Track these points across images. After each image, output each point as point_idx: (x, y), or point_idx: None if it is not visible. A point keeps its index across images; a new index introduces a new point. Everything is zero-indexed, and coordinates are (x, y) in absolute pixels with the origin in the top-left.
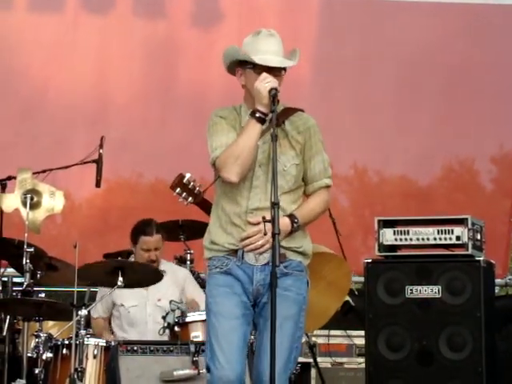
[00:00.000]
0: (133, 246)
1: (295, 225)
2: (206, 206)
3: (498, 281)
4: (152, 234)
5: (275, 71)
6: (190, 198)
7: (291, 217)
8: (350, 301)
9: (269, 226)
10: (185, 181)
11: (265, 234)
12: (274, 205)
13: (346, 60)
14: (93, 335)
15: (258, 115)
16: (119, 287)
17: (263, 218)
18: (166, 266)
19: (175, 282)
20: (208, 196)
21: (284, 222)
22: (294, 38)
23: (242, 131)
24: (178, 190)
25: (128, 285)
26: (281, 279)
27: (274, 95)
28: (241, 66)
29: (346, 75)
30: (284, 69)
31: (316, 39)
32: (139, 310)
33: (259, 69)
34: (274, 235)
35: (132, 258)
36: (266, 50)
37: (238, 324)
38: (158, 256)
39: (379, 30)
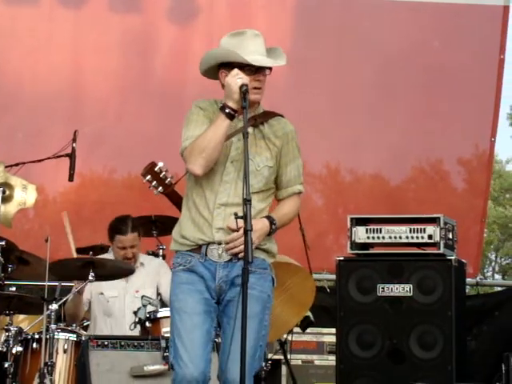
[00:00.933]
0: (110, 243)
1: (273, 226)
2: (175, 199)
3: (469, 280)
4: (127, 233)
5: (262, 72)
6: (160, 188)
7: (269, 218)
8: (311, 316)
9: (240, 221)
10: (156, 169)
11: (237, 231)
12: (247, 201)
13: (321, 59)
14: (64, 329)
15: (227, 110)
16: (91, 281)
17: (235, 214)
18: (145, 259)
19: (152, 273)
20: (180, 191)
21: (264, 223)
22: (270, 36)
23: (211, 125)
24: (149, 177)
25: (99, 279)
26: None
27: (244, 91)
28: (225, 67)
29: (320, 74)
30: (270, 69)
31: (292, 37)
32: (118, 301)
33: (248, 70)
34: (246, 231)
35: (109, 253)
36: (255, 51)
37: (201, 321)
38: (134, 253)
39: (355, 28)
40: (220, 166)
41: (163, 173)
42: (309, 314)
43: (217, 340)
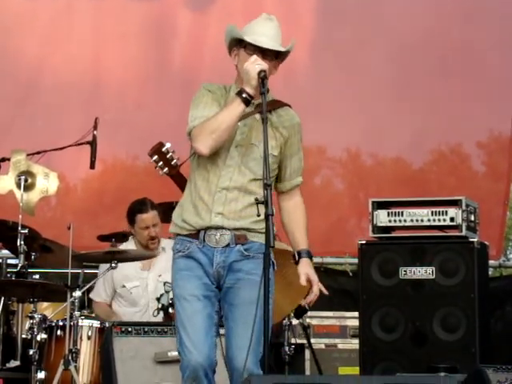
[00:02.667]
0: (131, 228)
1: (312, 258)
2: (180, 181)
3: (492, 262)
4: (147, 211)
5: (268, 56)
6: (166, 169)
7: (307, 254)
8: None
9: (261, 207)
10: (163, 149)
11: (258, 216)
12: (267, 186)
13: (342, 44)
14: (88, 316)
15: (244, 95)
16: (113, 268)
17: (256, 199)
18: (166, 242)
19: None
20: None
21: (310, 264)
22: (288, 22)
23: (225, 107)
24: (156, 157)
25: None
26: (243, 262)
27: (263, 77)
28: (236, 45)
29: (340, 59)
30: (278, 57)
31: (311, 23)
32: (141, 290)
33: (252, 50)
34: (267, 216)
35: (129, 242)
36: (262, 33)
37: (201, 306)
38: (157, 232)
39: (376, 13)
40: (224, 150)
41: (170, 154)
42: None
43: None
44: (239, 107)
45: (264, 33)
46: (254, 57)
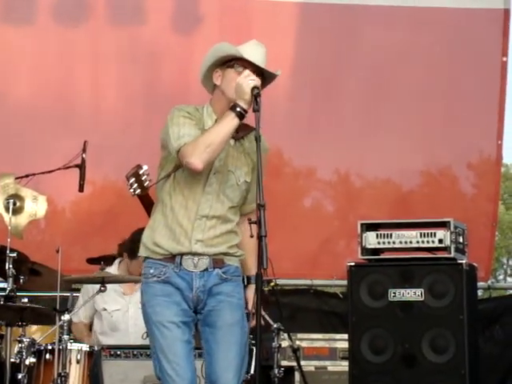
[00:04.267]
0: (127, 258)
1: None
2: (148, 202)
3: (481, 284)
4: None
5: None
6: (139, 190)
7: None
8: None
9: (254, 227)
10: (141, 172)
11: (251, 237)
12: (260, 206)
13: (327, 66)
14: (77, 340)
15: (238, 109)
16: (102, 291)
17: (249, 219)
18: None
19: None
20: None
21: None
22: (272, 43)
23: (218, 122)
24: (133, 180)
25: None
26: (222, 285)
27: (256, 94)
28: (221, 66)
29: (327, 81)
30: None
31: (294, 45)
32: (121, 314)
33: (242, 68)
34: (260, 237)
35: (115, 264)
36: (253, 55)
37: (181, 333)
38: None
39: (358, 35)
40: (203, 176)
41: (145, 176)
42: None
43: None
44: (233, 122)
45: (256, 56)
46: (247, 71)
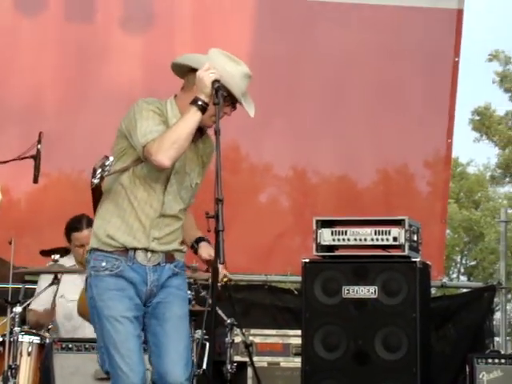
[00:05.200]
0: (69, 244)
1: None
2: (99, 193)
3: (434, 282)
4: (82, 229)
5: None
6: (98, 181)
7: (206, 239)
8: None
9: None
10: (106, 163)
11: (208, 231)
12: (219, 201)
13: (282, 62)
14: (28, 332)
15: (199, 103)
16: (56, 283)
17: (206, 213)
18: None
19: None
20: None
21: (208, 245)
22: (229, 41)
23: (181, 118)
24: (100, 171)
25: None
26: (172, 279)
27: (217, 88)
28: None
29: (283, 77)
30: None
31: (252, 42)
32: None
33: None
34: (217, 232)
35: (70, 256)
36: (240, 89)
37: (133, 328)
38: None
39: (314, 33)
40: (165, 175)
41: (108, 167)
42: None
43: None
44: (195, 116)
45: (241, 89)
46: (207, 65)
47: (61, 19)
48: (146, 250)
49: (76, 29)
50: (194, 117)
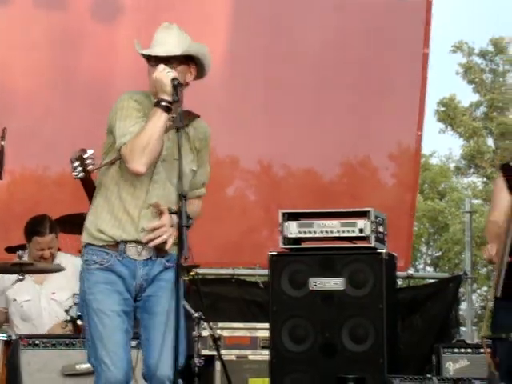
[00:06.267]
0: (26, 242)
1: (190, 220)
2: (90, 186)
3: (400, 273)
4: (45, 234)
5: (174, 64)
6: (82, 174)
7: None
8: None
9: (174, 217)
10: (85, 156)
11: (171, 226)
12: (182, 197)
13: (254, 55)
14: None
15: (163, 104)
16: (21, 280)
17: (169, 209)
18: (63, 258)
19: (75, 273)
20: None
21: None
22: (201, 31)
23: (148, 121)
24: (77, 163)
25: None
26: (164, 272)
27: (176, 85)
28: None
29: (252, 71)
30: (189, 61)
31: (224, 33)
32: (33, 305)
33: (154, 62)
34: (181, 227)
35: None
36: (160, 42)
37: (121, 322)
38: (52, 253)
39: (284, 25)
40: (151, 165)
41: (89, 160)
42: None
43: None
44: (162, 117)
45: (161, 42)
46: (162, 66)
47: (30, 7)
48: (136, 243)
49: (47, 17)
50: (160, 119)
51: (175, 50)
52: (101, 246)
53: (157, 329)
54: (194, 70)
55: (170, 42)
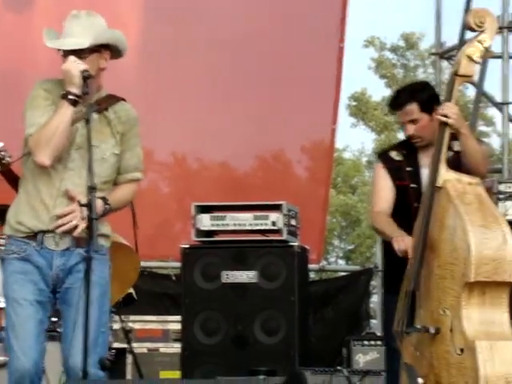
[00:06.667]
0: None
1: (107, 207)
2: (12, 179)
3: (312, 266)
4: None
5: (83, 54)
6: None
7: (103, 199)
8: (134, 293)
9: (84, 210)
10: None
11: (82, 219)
12: (91, 189)
13: (167, 46)
14: None
15: (70, 97)
16: None
17: (78, 201)
18: None
19: None
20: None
21: (98, 203)
22: (114, 22)
23: (55, 113)
24: None
25: None
26: (82, 264)
27: (86, 77)
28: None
29: (166, 61)
30: (102, 48)
31: (139, 23)
32: None
33: (64, 52)
34: (90, 219)
35: None
36: (67, 33)
37: (34, 311)
38: None
39: (200, 15)
40: (65, 152)
41: (2, 152)
42: (132, 291)
43: (59, 330)
44: (68, 110)
45: (69, 32)
46: (72, 57)
47: None
48: (53, 233)
49: None
50: (66, 112)
51: (83, 42)
52: (20, 237)
53: (72, 320)
54: (108, 55)
55: (77, 32)
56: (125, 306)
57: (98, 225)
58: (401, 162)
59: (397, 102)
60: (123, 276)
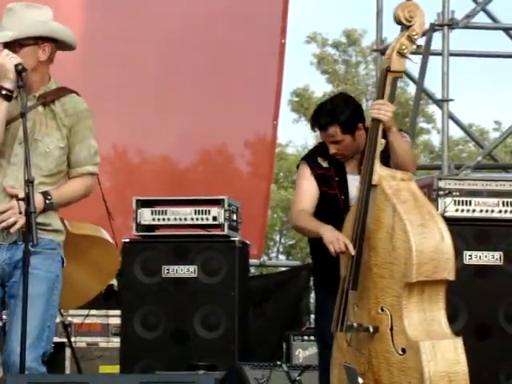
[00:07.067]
0: None
1: (48, 201)
2: None
3: (253, 261)
4: None
5: (15, 48)
6: None
7: (44, 194)
8: (115, 285)
9: (22, 204)
10: None
11: (20, 213)
12: (29, 183)
13: (109, 38)
14: None
15: (3, 92)
16: None
17: (16, 196)
18: None
19: None
20: None
21: (37, 199)
22: (57, 15)
23: None
24: None
25: None
26: (30, 258)
27: (20, 71)
28: None
29: (109, 55)
30: (31, 44)
31: (82, 14)
32: None
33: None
34: (28, 213)
35: None
36: (2, 26)
37: None
38: None
39: (143, 7)
40: (8, 147)
41: None
42: (113, 282)
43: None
44: (2, 106)
45: (2, 25)
46: (5, 51)
47: None
48: None
49: None
50: (0, 107)
51: (12, 35)
52: None
53: (17, 314)
54: (48, 48)
55: (8, 26)
56: (106, 299)
57: (37, 218)
58: (328, 169)
59: (318, 123)
60: (104, 269)
